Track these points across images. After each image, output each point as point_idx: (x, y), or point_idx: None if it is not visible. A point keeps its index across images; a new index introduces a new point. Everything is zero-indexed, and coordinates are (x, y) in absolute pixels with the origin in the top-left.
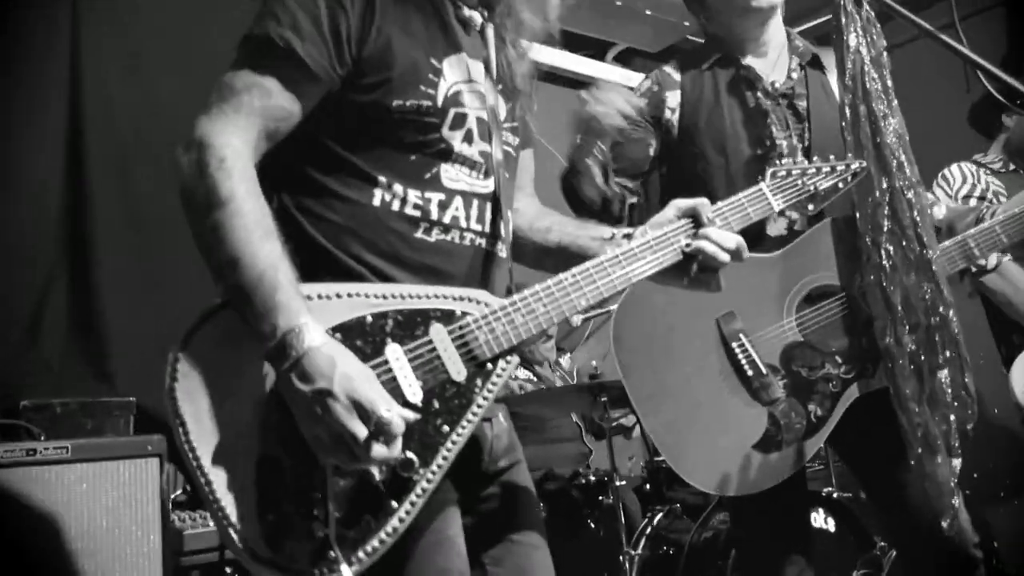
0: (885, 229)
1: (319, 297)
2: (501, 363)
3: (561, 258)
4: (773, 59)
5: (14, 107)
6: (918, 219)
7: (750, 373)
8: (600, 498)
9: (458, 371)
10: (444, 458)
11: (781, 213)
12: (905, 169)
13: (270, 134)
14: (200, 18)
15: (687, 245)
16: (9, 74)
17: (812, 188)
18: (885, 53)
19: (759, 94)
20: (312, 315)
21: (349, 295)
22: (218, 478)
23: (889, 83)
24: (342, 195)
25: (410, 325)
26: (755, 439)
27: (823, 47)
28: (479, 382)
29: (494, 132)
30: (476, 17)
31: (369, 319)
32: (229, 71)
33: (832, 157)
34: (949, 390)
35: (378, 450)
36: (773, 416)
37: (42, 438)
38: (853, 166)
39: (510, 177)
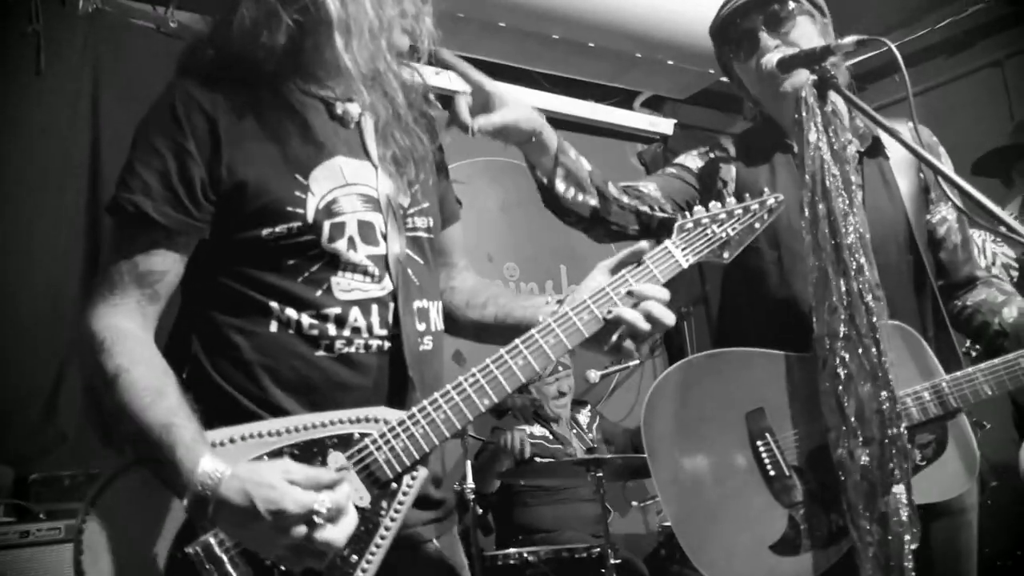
0: (841, 335)
1: (214, 446)
2: (406, 480)
3: (499, 331)
4: None
5: (35, 188)
6: (877, 325)
7: (772, 473)
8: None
9: (360, 497)
10: None
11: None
12: (864, 271)
13: (152, 297)
14: None
15: (608, 312)
16: (32, 155)
17: (724, 236)
18: (849, 147)
19: None
20: (210, 455)
21: (243, 438)
22: None
23: (852, 177)
24: (242, 328)
25: (307, 457)
26: (773, 540)
27: (894, 117)
28: (384, 504)
29: (391, 225)
30: (352, 111)
31: (265, 459)
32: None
33: (747, 196)
34: (903, 509)
35: (330, 533)
36: (793, 519)
37: (42, 517)
38: (769, 202)
39: (425, 263)
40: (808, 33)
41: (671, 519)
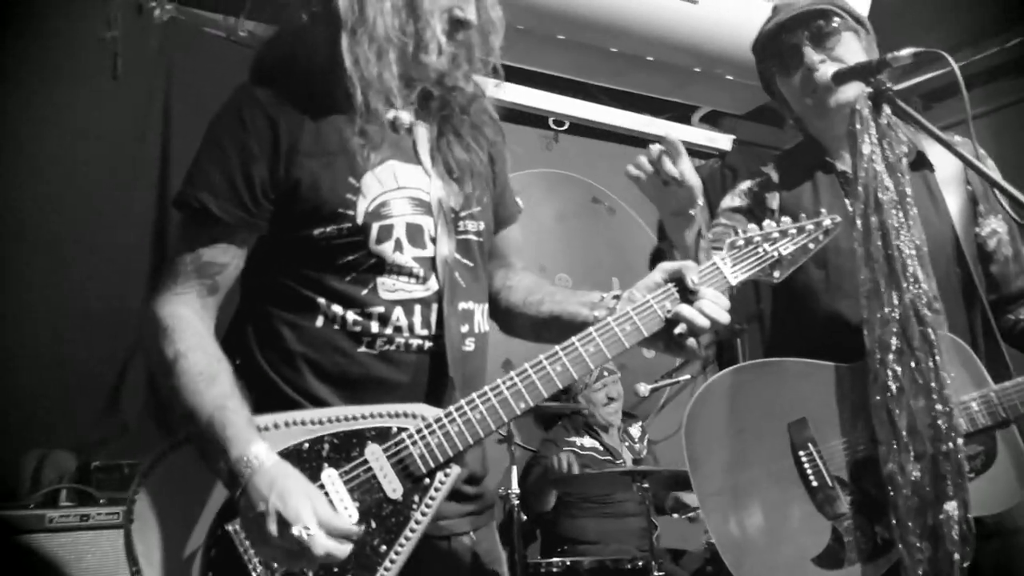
0: (893, 348)
1: (259, 431)
2: (439, 476)
3: (556, 328)
4: None
5: (107, 188)
6: (932, 338)
7: (815, 484)
8: None
9: (393, 489)
10: None
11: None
12: (921, 284)
13: (212, 288)
14: None
15: (669, 311)
16: (106, 156)
17: (776, 254)
18: (904, 159)
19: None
20: (264, 442)
21: (287, 424)
22: None
23: (908, 190)
24: (291, 322)
25: (346, 447)
26: (816, 553)
27: (946, 129)
28: (416, 498)
29: (441, 228)
30: (403, 117)
31: (306, 446)
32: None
33: (803, 216)
34: (955, 526)
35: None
36: (837, 532)
37: (102, 502)
38: (825, 223)
39: (473, 266)
40: (853, 50)
41: (712, 531)
